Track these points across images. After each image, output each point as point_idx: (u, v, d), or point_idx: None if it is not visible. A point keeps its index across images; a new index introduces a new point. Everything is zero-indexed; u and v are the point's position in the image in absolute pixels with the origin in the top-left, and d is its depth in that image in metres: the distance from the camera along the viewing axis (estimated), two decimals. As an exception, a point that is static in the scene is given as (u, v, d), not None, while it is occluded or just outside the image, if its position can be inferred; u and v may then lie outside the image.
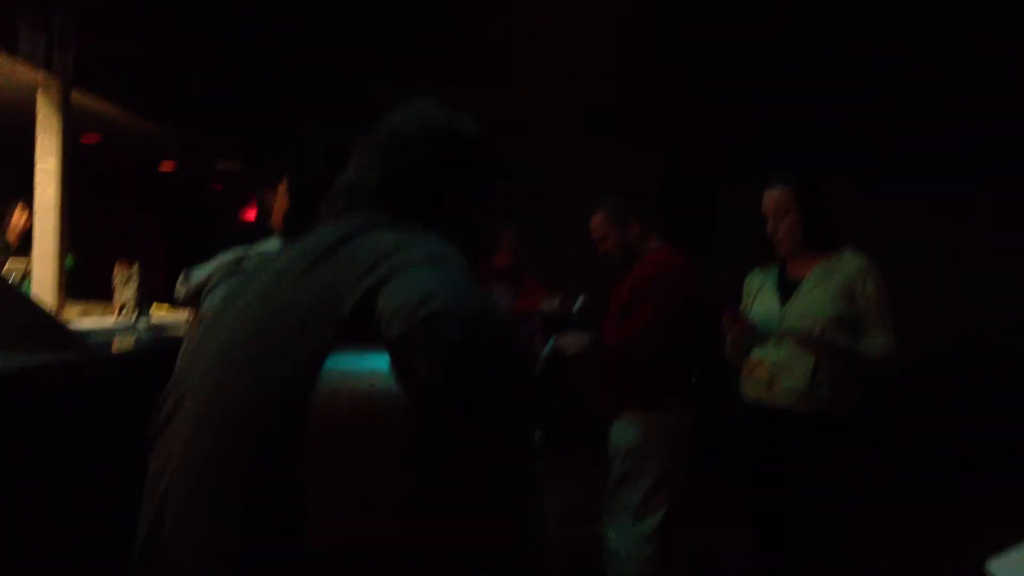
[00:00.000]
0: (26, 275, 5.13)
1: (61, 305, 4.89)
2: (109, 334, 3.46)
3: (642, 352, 3.91)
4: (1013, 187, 7.74)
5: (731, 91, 7.30)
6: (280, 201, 4.04)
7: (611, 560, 3.97)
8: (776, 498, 3.63)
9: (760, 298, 3.73)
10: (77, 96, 5.18)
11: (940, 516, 6.05)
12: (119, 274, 4.04)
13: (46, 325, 2.63)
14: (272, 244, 2.66)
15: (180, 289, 3.05)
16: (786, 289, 3.65)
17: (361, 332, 1.28)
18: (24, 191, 5.43)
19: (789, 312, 3.58)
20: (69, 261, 5.27)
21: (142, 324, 3.88)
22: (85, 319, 3.94)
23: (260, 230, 4.00)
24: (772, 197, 3.62)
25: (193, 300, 3.00)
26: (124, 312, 3.93)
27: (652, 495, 3.91)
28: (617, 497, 3.97)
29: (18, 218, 6.62)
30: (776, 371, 3.57)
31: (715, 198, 7.94)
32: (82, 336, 2.69)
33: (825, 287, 3.53)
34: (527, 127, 7.45)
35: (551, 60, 7.34)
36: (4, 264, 5.53)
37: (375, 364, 1.23)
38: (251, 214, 10.42)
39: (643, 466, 3.92)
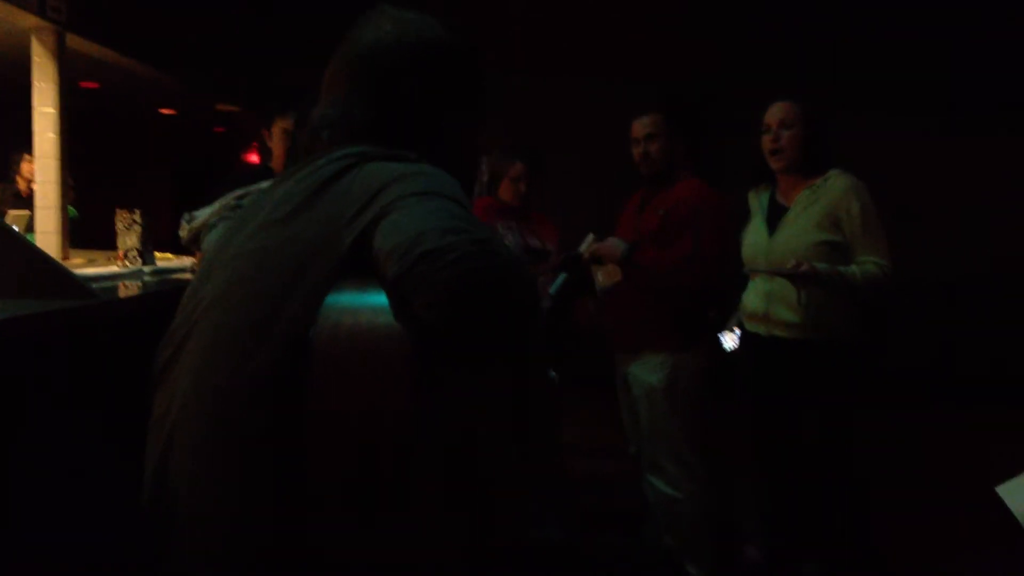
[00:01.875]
0: (29, 225, 5.12)
1: (65, 254, 4.89)
2: (114, 280, 3.44)
3: (683, 283, 3.78)
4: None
5: (731, 20, 7.23)
6: (277, 143, 4.02)
7: (667, 506, 3.87)
8: (781, 428, 3.64)
9: (750, 227, 3.72)
10: (73, 41, 5.13)
11: (950, 443, 6.06)
12: (121, 221, 4.01)
13: (51, 272, 2.61)
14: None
15: (183, 232, 3.03)
16: (775, 216, 3.63)
17: (360, 267, 1.26)
18: (28, 140, 5.40)
19: (775, 242, 3.57)
20: (71, 211, 5.25)
21: (147, 270, 3.86)
22: (89, 267, 3.92)
23: (263, 172, 3.99)
24: (780, 109, 3.58)
25: (195, 243, 2.99)
26: (128, 259, 3.91)
27: (691, 436, 3.87)
28: (655, 442, 3.87)
29: (26, 167, 6.59)
30: (769, 302, 3.56)
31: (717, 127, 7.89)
32: (87, 283, 2.67)
33: (809, 213, 3.51)
34: (521, 66, 7.38)
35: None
36: (5, 214, 5.51)
37: (376, 299, 1.21)
38: (254, 156, 10.39)
39: (675, 407, 3.84)
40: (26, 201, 6.28)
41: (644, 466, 3.92)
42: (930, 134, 7.87)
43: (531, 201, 4.39)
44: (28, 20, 4.75)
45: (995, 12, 6.78)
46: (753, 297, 3.66)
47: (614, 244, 3.81)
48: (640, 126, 3.97)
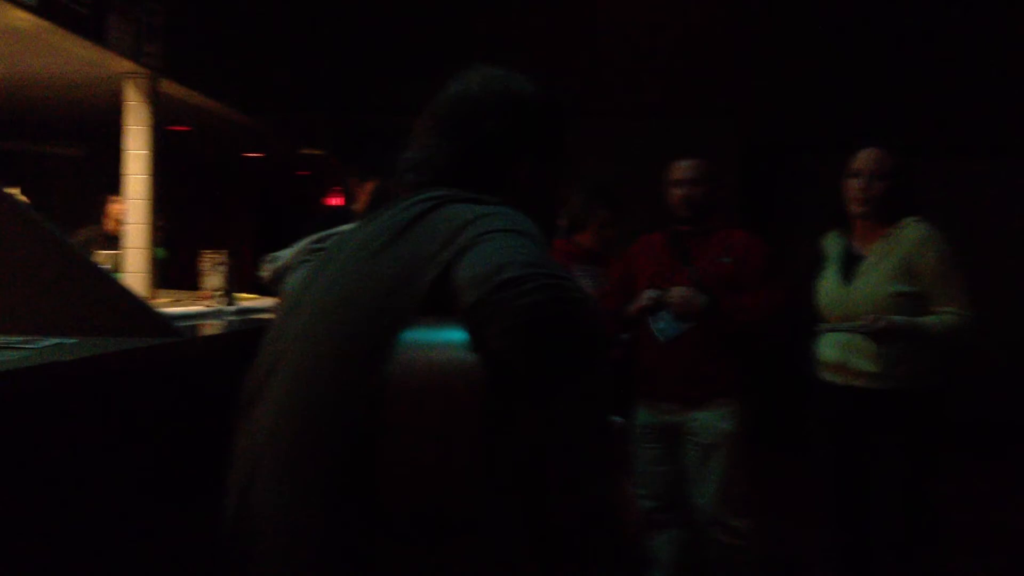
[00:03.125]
0: (118, 266, 5.24)
1: (152, 294, 4.99)
2: (198, 319, 3.52)
3: (773, 331, 3.78)
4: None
5: (810, 61, 7.20)
6: (364, 195, 4.08)
7: (733, 556, 3.82)
8: (858, 479, 3.58)
9: (825, 275, 3.68)
10: (165, 86, 5.27)
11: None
12: (207, 261, 4.09)
13: (139, 311, 2.68)
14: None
15: (264, 273, 3.09)
16: (850, 265, 3.59)
17: (440, 305, 1.28)
18: (118, 183, 5.54)
19: (852, 292, 3.53)
20: (160, 252, 5.37)
21: (230, 309, 3.93)
22: (175, 306, 4.01)
23: (344, 215, 4.05)
24: (872, 157, 3.55)
25: (277, 283, 3.04)
26: (213, 298, 3.98)
27: (744, 486, 3.83)
28: (720, 492, 3.81)
29: (115, 207, 6.76)
30: (847, 352, 3.52)
31: (796, 170, 7.82)
32: (173, 321, 2.74)
33: (886, 263, 3.47)
34: (600, 107, 7.40)
35: (624, 35, 7.30)
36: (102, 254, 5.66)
37: (452, 336, 1.23)
38: (336, 199, 10.54)
39: (739, 457, 3.80)
40: (115, 242, 6.44)
41: (705, 520, 3.83)
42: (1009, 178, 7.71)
43: (612, 249, 4.38)
44: (123, 65, 4.90)
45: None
46: (830, 347, 3.62)
47: (691, 295, 3.76)
48: (682, 170, 3.94)
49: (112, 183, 6.03)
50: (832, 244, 3.73)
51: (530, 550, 1.27)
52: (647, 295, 3.82)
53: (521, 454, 1.25)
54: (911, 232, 3.48)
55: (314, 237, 2.98)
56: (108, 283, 2.74)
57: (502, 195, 1.51)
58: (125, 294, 2.72)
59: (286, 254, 3.02)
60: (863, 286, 3.51)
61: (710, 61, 7.40)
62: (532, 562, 1.27)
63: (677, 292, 3.76)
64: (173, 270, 6.10)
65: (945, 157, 7.59)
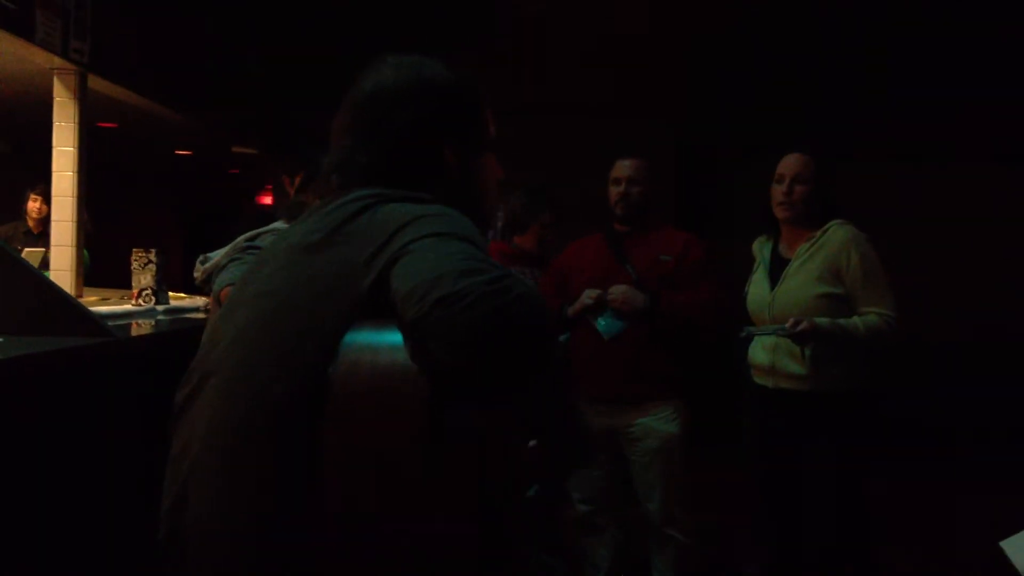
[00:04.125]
0: (44, 262, 5.17)
1: (79, 292, 4.92)
2: (128, 319, 3.48)
3: (714, 327, 3.77)
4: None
5: (742, 65, 7.29)
6: (292, 192, 4.06)
7: (681, 552, 3.85)
8: (789, 480, 3.64)
9: (754, 279, 3.74)
10: (94, 82, 5.20)
11: (958, 496, 6.03)
12: (137, 259, 4.05)
13: (66, 309, 2.65)
14: (282, 226, 2.68)
15: (197, 273, 3.07)
16: (777, 269, 3.65)
17: (379, 307, 1.29)
18: (42, 178, 5.45)
19: (778, 295, 3.59)
20: (85, 256, 5.30)
21: (160, 309, 3.90)
22: (103, 305, 3.96)
23: (275, 215, 4.03)
24: (796, 161, 3.60)
25: (208, 284, 3.03)
26: (142, 298, 3.95)
27: (687, 487, 3.88)
28: (668, 493, 3.83)
29: (34, 204, 6.67)
30: (775, 355, 3.58)
31: (731, 174, 7.91)
32: (102, 320, 2.71)
33: (810, 266, 3.53)
34: (536, 109, 7.43)
35: (559, 41, 7.33)
36: (23, 251, 5.57)
37: (394, 338, 1.24)
38: (267, 198, 10.46)
39: (681, 456, 3.83)
40: (37, 239, 6.34)
41: (657, 520, 3.86)
42: (937, 182, 7.89)
43: (551, 250, 4.38)
44: (51, 61, 4.83)
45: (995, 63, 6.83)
46: (760, 350, 3.68)
47: (631, 293, 3.79)
48: (622, 168, 3.96)
49: (37, 180, 5.94)
50: (760, 248, 3.80)
51: (473, 551, 1.28)
52: (588, 294, 3.82)
53: (465, 456, 1.26)
54: (835, 235, 3.54)
55: (246, 236, 2.98)
56: (36, 281, 2.71)
57: (431, 188, 1.50)
58: (54, 292, 2.69)
59: (218, 254, 3.02)
60: (788, 289, 3.57)
61: (649, 64, 7.45)
62: (475, 563, 1.29)
63: (618, 290, 3.79)
64: (101, 268, 6.02)
65: (878, 161, 7.75)
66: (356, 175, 1.53)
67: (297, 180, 4.00)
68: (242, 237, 2.98)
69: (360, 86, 1.60)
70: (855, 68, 7.17)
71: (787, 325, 3.40)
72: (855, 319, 3.44)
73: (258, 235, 2.92)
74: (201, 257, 3.09)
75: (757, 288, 3.70)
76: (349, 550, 1.22)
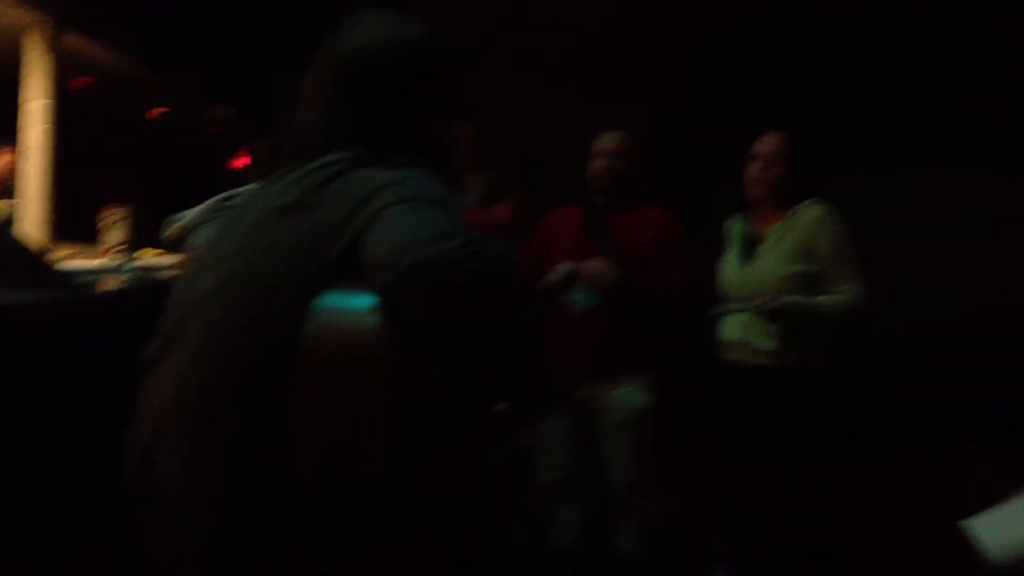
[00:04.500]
0: (11, 217, 5.11)
1: (48, 247, 4.88)
2: (96, 275, 3.45)
3: (685, 304, 3.72)
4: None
5: (723, 49, 7.28)
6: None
7: (645, 519, 3.86)
8: (757, 458, 3.66)
9: (726, 258, 3.76)
10: (67, 38, 5.13)
11: (924, 482, 6.07)
12: (107, 217, 4.02)
13: (33, 264, 2.62)
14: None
15: (167, 232, 3.04)
16: (749, 248, 3.67)
17: (350, 272, 1.27)
18: (10, 133, 5.39)
19: (749, 274, 3.60)
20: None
21: (129, 266, 3.87)
22: (72, 261, 3.92)
23: (251, 176, 4.01)
24: (771, 142, 3.62)
25: (180, 242, 3.00)
26: (111, 254, 3.92)
27: (653, 462, 3.88)
28: (636, 464, 3.82)
29: (2, 160, 6.58)
30: (747, 331, 3.60)
31: (707, 154, 7.90)
32: (69, 276, 2.68)
33: (782, 245, 3.55)
34: (513, 88, 7.40)
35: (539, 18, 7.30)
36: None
37: (363, 302, 1.23)
38: (240, 162, 10.38)
39: (649, 428, 3.82)
40: (3, 194, 6.26)
41: (623, 489, 3.88)
42: (924, 175, 7.90)
43: (527, 223, 4.37)
44: (23, 15, 4.76)
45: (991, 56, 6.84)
46: (732, 326, 3.69)
47: (605, 268, 3.79)
48: (605, 142, 3.94)
49: (11, 136, 5.86)
50: (734, 227, 3.81)
51: (440, 520, 1.28)
52: (561, 268, 3.82)
53: (431, 421, 1.26)
54: (808, 214, 3.56)
55: (220, 196, 2.95)
56: (2, 235, 2.68)
57: (407, 152, 1.48)
58: (18, 247, 2.66)
59: (191, 214, 2.99)
60: (761, 267, 3.59)
61: (628, 42, 7.43)
62: (439, 528, 1.28)
63: (591, 265, 3.77)
64: (73, 226, 5.96)
65: (858, 156, 7.75)
66: (331, 138, 1.50)
67: (270, 146, 3.97)
68: (217, 197, 2.95)
69: (336, 47, 1.57)
70: (838, 49, 7.17)
71: (761, 302, 3.42)
72: (825, 297, 3.46)
73: (232, 196, 2.90)
74: (170, 217, 3.06)
75: (730, 267, 3.72)
76: (315, 512, 1.21)
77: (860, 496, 4.85)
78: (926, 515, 4.48)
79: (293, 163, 1.50)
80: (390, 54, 1.54)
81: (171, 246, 3.12)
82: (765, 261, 3.58)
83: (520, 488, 4.05)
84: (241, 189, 2.92)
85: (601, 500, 4.00)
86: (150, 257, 4.31)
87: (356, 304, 1.23)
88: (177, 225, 3.00)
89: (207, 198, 2.98)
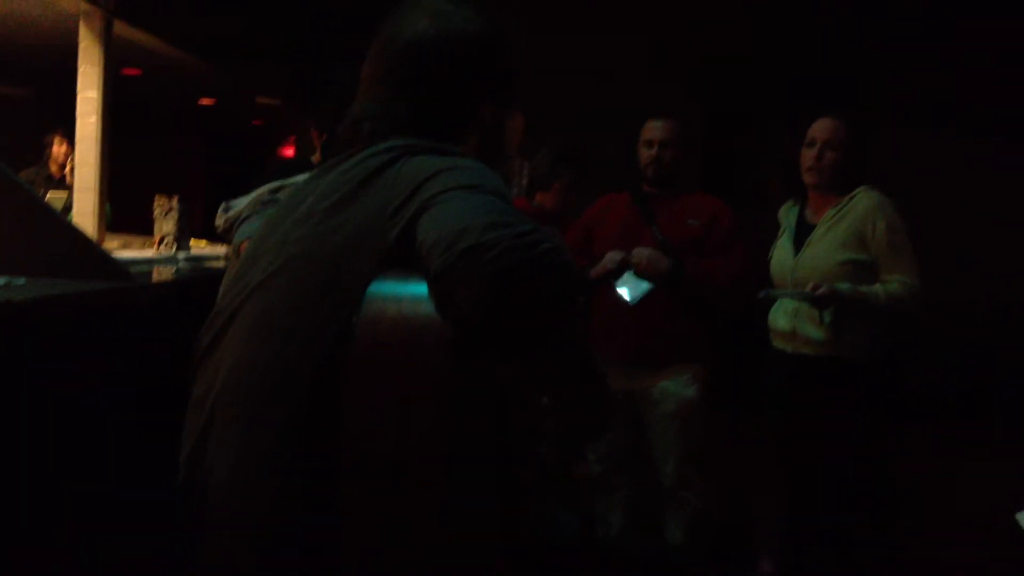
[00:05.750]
0: (67, 207, 5.17)
1: (101, 237, 4.93)
2: (149, 264, 3.49)
3: (741, 296, 3.72)
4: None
5: (774, 28, 7.20)
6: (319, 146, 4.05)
7: (697, 515, 3.89)
8: (807, 447, 3.62)
9: (778, 244, 3.71)
10: (119, 27, 5.18)
11: (979, 467, 5.99)
12: (159, 206, 4.06)
13: (88, 253, 2.65)
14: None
15: (219, 221, 3.06)
16: (802, 235, 3.62)
17: (405, 259, 1.27)
18: (65, 123, 5.44)
19: (801, 261, 3.56)
20: (108, 210, 5.31)
21: (182, 256, 3.90)
22: (125, 250, 3.97)
23: (301, 165, 4.02)
24: (828, 126, 3.56)
25: (229, 232, 3.02)
26: (164, 244, 3.95)
27: (705, 451, 3.87)
28: (686, 457, 3.84)
29: (58, 149, 6.67)
30: (796, 320, 3.56)
31: (759, 138, 7.82)
32: (122, 264, 2.71)
33: (835, 232, 3.50)
34: (563, 73, 7.36)
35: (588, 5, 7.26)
36: (45, 196, 5.58)
37: (418, 289, 1.23)
38: (290, 150, 10.44)
39: (699, 420, 3.84)
40: (58, 183, 6.34)
41: (671, 483, 3.86)
42: (971, 149, 7.77)
43: (572, 211, 4.35)
44: (77, 5, 4.81)
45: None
46: (780, 315, 3.66)
47: (656, 256, 3.75)
48: (655, 130, 3.91)
49: (61, 125, 5.93)
50: (787, 214, 3.77)
51: (493, 509, 1.28)
52: (611, 257, 3.78)
53: (486, 407, 1.26)
54: (862, 201, 3.51)
55: (268, 187, 2.96)
56: (59, 224, 2.70)
57: (464, 143, 1.49)
58: (76, 235, 2.69)
59: (242, 202, 3.01)
60: (812, 255, 3.54)
61: (675, 24, 7.37)
62: (493, 514, 1.28)
63: (641, 253, 3.74)
64: (123, 215, 6.03)
65: (908, 128, 7.64)
66: (389, 126, 1.51)
67: (325, 136, 3.98)
68: (265, 188, 2.97)
69: (396, 33, 1.56)
70: (891, 31, 7.06)
71: (808, 288, 3.38)
72: (876, 286, 3.41)
73: (281, 187, 2.91)
74: (224, 205, 3.08)
75: (781, 253, 3.67)
76: (368, 499, 1.22)
77: (916, 483, 4.78)
78: (988, 502, 4.43)
79: (349, 150, 1.50)
80: (455, 44, 1.54)
81: (221, 236, 3.15)
82: (817, 248, 3.54)
83: (565, 482, 4.06)
84: (288, 180, 2.93)
85: (649, 492, 3.99)
86: (202, 247, 4.35)
87: (409, 291, 1.24)
88: (224, 217, 3.03)
89: (257, 187, 3.00)
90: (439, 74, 1.53)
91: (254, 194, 2.97)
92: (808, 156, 3.57)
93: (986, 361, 7.54)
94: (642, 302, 3.73)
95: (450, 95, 1.54)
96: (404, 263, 1.27)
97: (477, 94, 1.56)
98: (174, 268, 3.49)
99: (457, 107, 1.55)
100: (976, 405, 7.27)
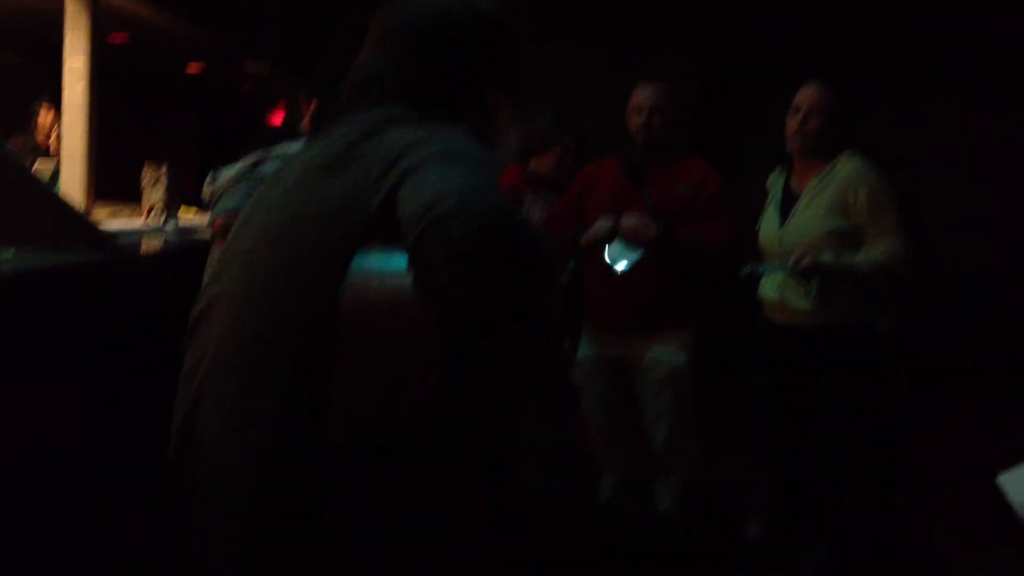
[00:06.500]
0: (55, 175, 5.15)
1: (90, 206, 4.91)
2: (138, 235, 3.48)
3: (729, 261, 3.68)
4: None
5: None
6: (310, 114, 4.03)
7: (686, 479, 3.89)
8: (798, 416, 3.63)
9: (765, 214, 3.70)
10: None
11: (969, 431, 6.01)
12: (148, 175, 4.04)
13: (76, 224, 2.64)
14: (292, 148, 2.64)
15: (207, 190, 3.05)
16: (788, 204, 3.61)
17: (389, 226, 1.27)
18: (51, 91, 5.40)
19: (787, 231, 3.55)
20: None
21: (171, 226, 3.89)
22: (114, 220, 3.96)
23: (288, 133, 4.00)
24: (811, 93, 3.53)
25: (213, 205, 3.02)
26: (153, 214, 3.94)
27: (695, 419, 3.88)
28: (678, 424, 3.83)
29: (44, 118, 6.62)
30: (784, 291, 3.55)
31: (750, 109, 7.79)
32: (111, 236, 2.70)
33: (819, 201, 3.48)
34: (553, 41, 7.32)
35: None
36: (33, 165, 5.54)
37: (402, 263, 1.23)
38: (279, 118, 10.40)
39: (689, 387, 3.83)
40: (45, 153, 6.29)
41: (662, 449, 3.86)
42: (962, 118, 7.77)
43: (568, 176, 4.32)
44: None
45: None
46: (769, 286, 3.65)
47: (643, 223, 3.74)
48: (644, 96, 3.87)
49: (48, 92, 5.88)
50: (774, 181, 3.75)
51: (481, 474, 1.28)
52: (600, 224, 3.77)
53: (474, 381, 1.26)
54: (844, 168, 3.48)
55: (252, 159, 2.95)
56: (46, 195, 2.69)
57: (459, 116, 1.47)
58: (64, 207, 2.68)
59: (230, 172, 3.00)
60: (798, 224, 3.53)
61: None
62: (482, 486, 1.29)
63: (629, 220, 3.74)
64: (112, 183, 6.00)
65: (900, 97, 7.63)
66: (397, 90, 1.50)
67: (314, 104, 3.96)
68: (248, 160, 2.95)
69: (402, 4, 1.56)
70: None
71: (790, 262, 3.37)
72: (860, 256, 3.40)
73: (263, 160, 2.89)
74: (211, 174, 3.07)
75: (768, 223, 3.66)
76: (355, 474, 1.22)
77: (911, 448, 4.79)
78: (977, 466, 4.46)
79: (347, 114, 1.50)
80: (467, 22, 1.54)
81: (210, 203, 3.14)
82: (803, 217, 3.52)
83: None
84: (271, 151, 2.92)
85: (640, 459, 4.01)
86: (191, 216, 4.33)
87: (395, 263, 1.23)
88: (211, 188, 3.02)
89: (245, 155, 2.99)
90: (457, 47, 1.52)
91: (239, 164, 2.96)
92: (792, 122, 3.56)
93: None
94: (632, 269, 3.72)
95: (463, 70, 1.53)
96: (387, 230, 1.27)
97: (488, 74, 1.55)
98: (163, 238, 3.48)
99: (467, 83, 1.54)
100: (981, 371, 7.27)
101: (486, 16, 1.55)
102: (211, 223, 2.47)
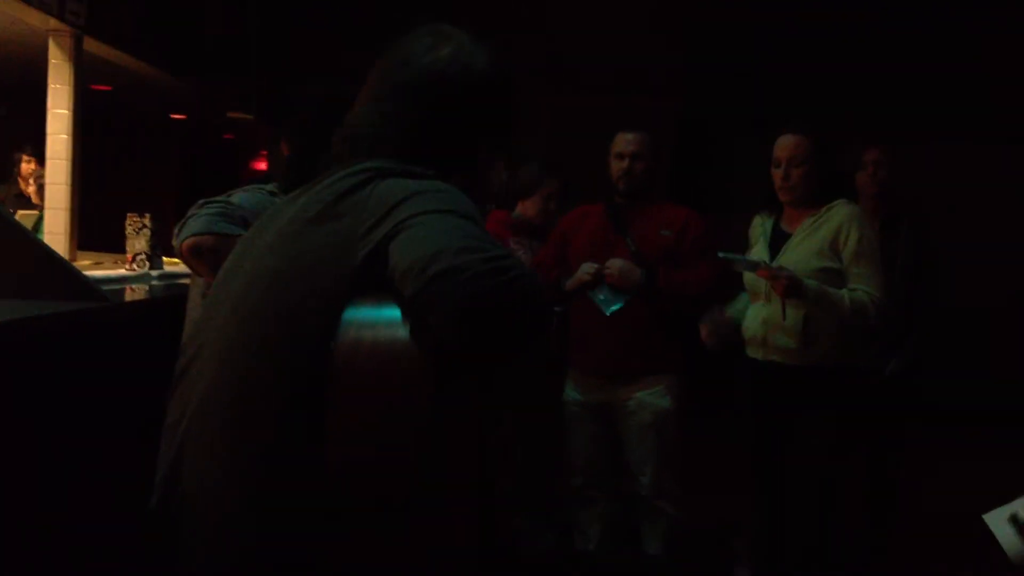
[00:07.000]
0: (37, 225, 5.15)
1: (73, 256, 4.91)
2: (122, 283, 3.47)
3: (709, 303, 3.75)
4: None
5: (746, 41, 7.25)
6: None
7: (670, 523, 3.87)
8: (780, 453, 3.64)
9: (753, 252, 3.73)
10: (89, 44, 5.17)
11: (958, 469, 5.97)
12: (131, 224, 4.04)
13: (60, 273, 2.64)
14: (247, 196, 2.61)
15: (175, 241, 3.04)
16: (777, 243, 3.65)
17: (375, 281, 1.28)
18: (34, 141, 5.42)
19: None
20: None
21: (155, 274, 3.89)
22: (97, 269, 3.95)
23: (264, 182, 4.01)
24: (789, 144, 3.58)
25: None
26: (137, 262, 3.94)
27: (681, 459, 3.88)
28: (663, 467, 3.81)
29: (26, 167, 6.62)
30: (767, 328, 3.58)
31: (732, 149, 7.84)
32: (95, 285, 2.70)
33: (811, 241, 3.53)
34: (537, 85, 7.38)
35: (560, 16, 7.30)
36: (15, 215, 5.54)
37: (393, 314, 1.23)
38: (262, 164, 10.41)
39: (674, 431, 3.83)
40: (27, 202, 6.29)
41: (648, 493, 3.86)
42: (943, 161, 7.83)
43: (553, 221, 4.33)
44: (47, 22, 4.80)
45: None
46: (752, 323, 3.68)
47: (628, 268, 3.77)
48: (626, 142, 3.92)
49: (32, 143, 5.90)
50: (762, 223, 3.78)
51: (472, 521, 1.29)
52: (585, 269, 3.80)
53: (463, 429, 1.26)
54: (838, 212, 3.53)
55: (217, 207, 2.93)
56: (31, 244, 2.69)
57: (447, 169, 1.46)
58: (49, 256, 2.68)
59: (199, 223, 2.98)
60: (788, 259, 3.55)
61: (649, 39, 7.42)
62: (473, 532, 1.29)
63: (615, 264, 3.76)
64: (96, 233, 6.00)
65: (884, 141, 7.69)
66: (384, 147, 1.49)
67: (286, 149, 3.96)
68: (216, 207, 2.93)
69: (411, 56, 1.54)
70: (857, 42, 7.12)
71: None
72: (843, 291, 3.44)
73: (229, 210, 2.87)
74: (179, 225, 3.05)
75: (757, 259, 3.69)
76: (348, 524, 1.22)
77: (904, 487, 4.75)
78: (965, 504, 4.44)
79: (337, 167, 1.49)
80: (474, 80, 1.54)
81: (178, 255, 3.12)
82: (795, 252, 3.56)
83: (540, 494, 4.06)
84: (233, 199, 2.89)
85: (626, 503, 4.00)
86: (176, 264, 4.33)
87: (385, 316, 1.24)
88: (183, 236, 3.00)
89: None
90: (454, 104, 1.52)
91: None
92: (777, 176, 3.61)
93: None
94: (617, 313, 3.75)
95: (458, 127, 1.54)
96: (373, 285, 1.28)
97: (481, 132, 1.57)
98: (147, 286, 3.48)
99: (461, 140, 1.54)
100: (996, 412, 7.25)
101: (483, 77, 1.55)
102: (178, 248, 2.43)
